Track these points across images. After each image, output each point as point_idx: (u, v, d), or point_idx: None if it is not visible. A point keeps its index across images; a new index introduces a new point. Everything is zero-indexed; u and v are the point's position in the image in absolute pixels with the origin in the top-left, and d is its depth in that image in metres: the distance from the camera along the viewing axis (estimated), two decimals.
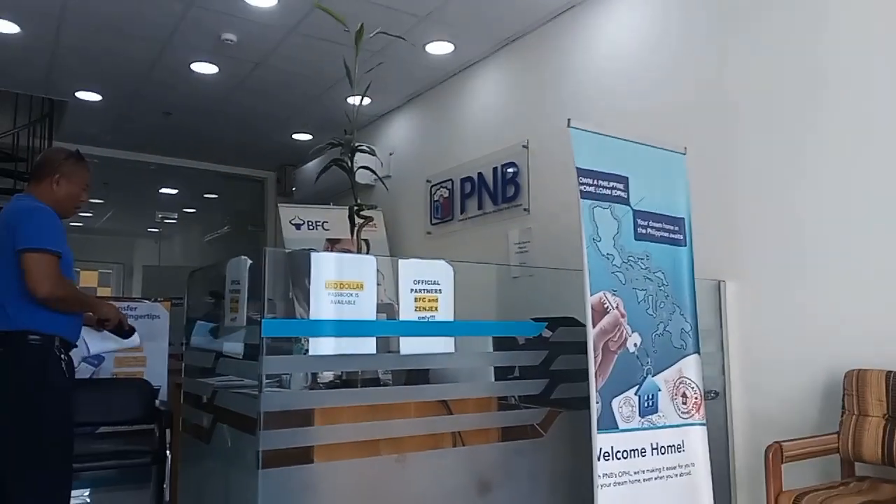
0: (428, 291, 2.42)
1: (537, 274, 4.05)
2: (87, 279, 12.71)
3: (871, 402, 2.63)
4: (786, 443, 2.55)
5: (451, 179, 5.29)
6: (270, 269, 2.17)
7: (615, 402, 2.42)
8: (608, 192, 2.58)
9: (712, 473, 2.59)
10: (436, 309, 2.43)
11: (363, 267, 2.32)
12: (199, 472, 2.73)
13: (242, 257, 2.52)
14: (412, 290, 2.39)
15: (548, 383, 2.59)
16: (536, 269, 4.17)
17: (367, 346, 2.29)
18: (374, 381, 2.42)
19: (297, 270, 2.36)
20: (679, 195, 2.81)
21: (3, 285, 2.54)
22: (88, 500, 3.74)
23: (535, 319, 2.73)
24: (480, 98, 5.11)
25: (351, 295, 2.26)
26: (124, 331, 2.92)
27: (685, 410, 2.59)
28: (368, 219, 2.81)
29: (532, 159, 4.53)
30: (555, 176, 4.27)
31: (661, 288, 2.65)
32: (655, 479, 2.46)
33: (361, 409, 2.24)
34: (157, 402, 3.81)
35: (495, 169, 4.82)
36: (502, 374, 2.67)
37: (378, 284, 2.34)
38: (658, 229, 2.70)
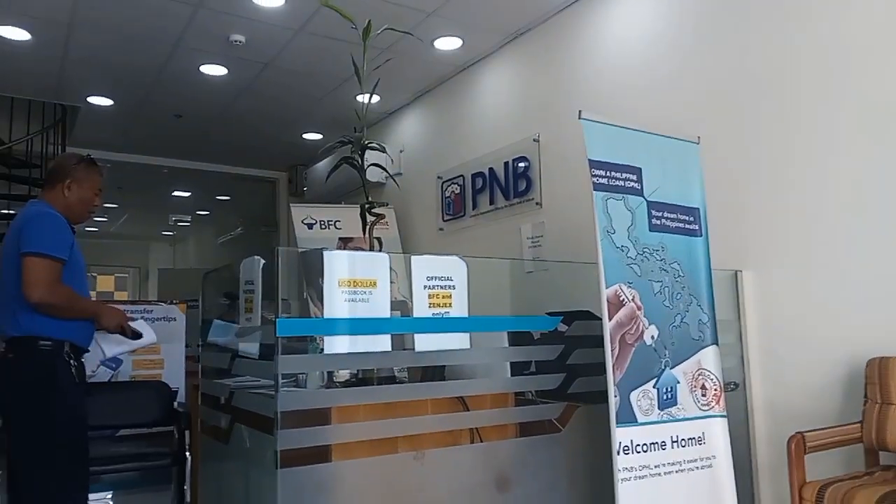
0: (441, 288, 2.42)
1: (551, 268, 4.02)
2: (104, 283, 12.83)
3: (894, 390, 2.59)
4: (808, 433, 2.51)
5: (462, 175, 5.27)
6: (284, 268, 2.17)
7: (633, 396, 2.40)
8: (621, 183, 2.56)
9: (734, 465, 2.57)
10: (450, 305, 2.42)
11: (376, 264, 2.32)
12: (219, 473, 2.74)
13: (256, 257, 2.52)
14: (425, 286, 2.38)
15: (565, 378, 2.57)
16: (550, 263, 4.15)
17: (382, 343, 2.28)
18: (390, 379, 2.42)
19: (311, 269, 2.36)
20: (693, 185, 2.78)
21: (14, 291, 2.55)
22: (111, 503, 3.76)
23: (550, 314, 2.72)
24: (490, 93, 5.09)
25: (364, 293, 2.26)
26: (128, 336, 2.91)
27: (705, 402, 2.57)
28: (380, 216, 2.80)
29: (543, 153, 4.50)
30: (567, 169, 4.25)
31: (678, 279, 2.62)
32: (676, 472, 2.43)
33: (378, 406, 2.23)
34: (175, 403, 3.82)
35: (506, 163, 4.79)
36: (518, 369, 2.66)
37: (391, 282, 2.34)
38: (673, 220, 2.67)
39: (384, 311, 2.28)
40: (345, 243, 5.66)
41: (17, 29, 4.50)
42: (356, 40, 2.75)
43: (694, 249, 2.71)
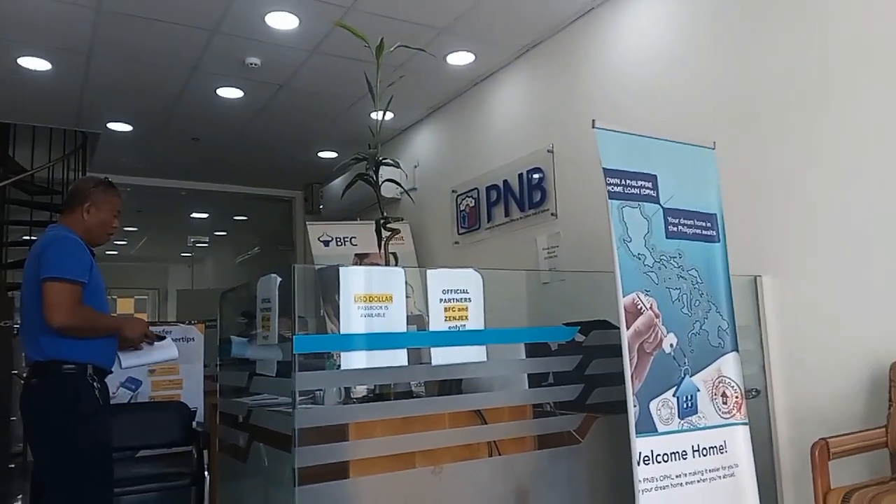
0: (457, 300, 2.41)
1: (568, 278, 4.01)
2: (124, 306, 12.96)
3: None
4: (832, 439, 2.47)
5: (476, 188, 5.28)
6: (300, 285, 2.17)
7: (653, 405, 2.37)
8: (636, 191, 2.54)
9: (757, 474, 2.53)
10: (466, 318, 2.41)
11: (392, 279, 2.32)
12: (238, 492, 2.75)
13: (272, 275, 2.53)
14: (441, 299, 2.38)
15: (583, 388, 2.55)
16: (567, 273, 4.13)
17: (399, 358, 2.28)
18: (407, 394, 2.41)
19: (327, 286, 2.37)
20: (710, 191, 2.76)
21: (37, 316, 2.58)
22: None
23: (568, 324, 2.70)
24: (503, 105, 5.11)
25: (381, 308, 2.26)
26: (153, 341, 2.93)
27: (726, 410, 2.54)
28: (395, 231, 2.81)
29: (558, 163, 4.50)
30: (582, 179, 4.24)
31: (696, 286, 2.60)
32: (698, 481, 2.40)
33: (395, 422, 2.22)
34: (194, 423, 3.84)
35: (521, 175, 4.80)
36: (536, 381, 2.64)
37: (407, 296, 2.34)
38: (690, 226, 2.66)
39: (400, 326, 2.28)
40: (361, 259, 5.68)
41: (38, 59, 4.60)
42: (369, 59, 2.77)
43: (712, 255, 2.68)
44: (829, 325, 2.93)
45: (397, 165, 3.17)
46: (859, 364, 2.81)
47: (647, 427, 2.34)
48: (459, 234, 5.50)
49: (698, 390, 2.49)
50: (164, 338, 2.97)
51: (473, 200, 5.32)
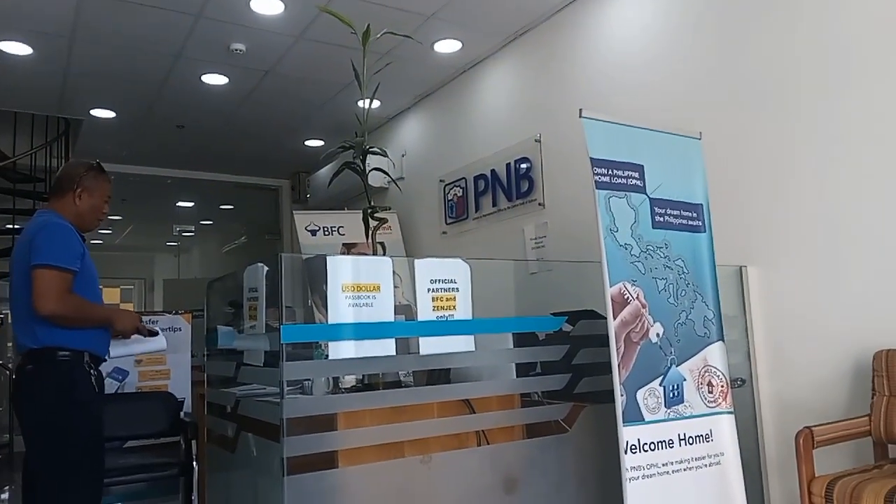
0: (445, 290, 2.41)
1: (555, 268, 4.02)
2: (110, 296, 12.84)
3: None
4: (816, 427, 2.50)
5: (464, 178, 5.28)
6: (287, 274, 2.16)
7: (640, 394, 2.39)
8: (623, 181, 2.55)
9: (742, 462, 2.56)
10: (454, 308, 2.41)
11: (379, 269, 2.31)
12: (227, 482, 2.74)
13: (259, 264, 2.52)
14: (429, 289, 2.38)
15: (570, 378, 2.57)
16: (554, 263, 4.14)
17: (387, 347, 2.28)
18: (396, 383, 2.41)
19: (314, 275, 2.36)
20: (696, 181, 2.77)
21: (29, 304, 2.54)
22: None
23: (555, 314, 2.71)
24: (491, 94, 5.09)
25: (368, 297, 2.26)
26: (145, 335, 2.89)
27: (712, 399, 2.56)
28: (382, 220, 2.80)
29: (545, 153, 4.50)
30: (569, 169, 4.24)
31: (682, 276, 2.61)
32: (685, 470, 2.42)
33: (384, 411, 2.23)
34: (181, 413, 3.83)
35: (508, 165, 4.79)
36: (524, 370, 2.65)
37: (395, 286, 2.33)
38: (676, 216, 2.67)
39: (388, 316, 2.28)
40: (348, 249, 5.66)
41: (19, 44, 4.52)
42: (356, 46, 2.75)
43: (698, 246, 2.70)
44: (814, 315, 2.96)
45: (385, 154, 3.16)
46: (843, 353, 2.84)
47: (634, 416, 2.36)
48: (447, 223, 5.50)
49: (684, 379, 2.51)
50: (156, 333, 2.91)
51: (461, 190, 5.31)
